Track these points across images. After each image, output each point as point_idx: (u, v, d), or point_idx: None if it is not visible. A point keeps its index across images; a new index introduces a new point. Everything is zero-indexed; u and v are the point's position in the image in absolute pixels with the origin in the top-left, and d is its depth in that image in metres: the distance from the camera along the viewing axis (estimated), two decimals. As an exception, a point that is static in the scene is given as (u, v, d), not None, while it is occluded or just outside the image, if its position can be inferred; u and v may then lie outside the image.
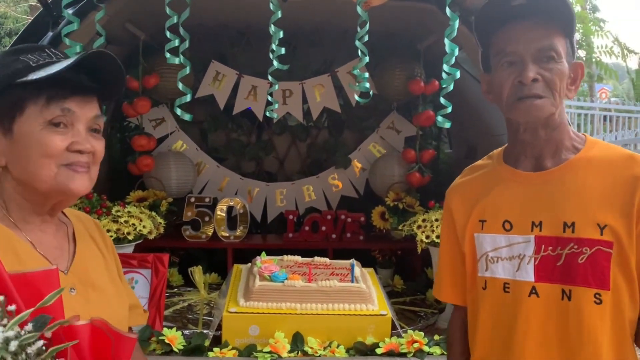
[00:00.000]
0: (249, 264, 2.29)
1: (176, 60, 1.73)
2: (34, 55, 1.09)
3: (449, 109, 1.96)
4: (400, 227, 2.46)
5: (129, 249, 2.27)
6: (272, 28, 1.68)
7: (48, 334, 0.87)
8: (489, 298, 1.33)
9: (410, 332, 1.96)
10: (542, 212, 1.27)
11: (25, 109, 1.04)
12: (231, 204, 2.98)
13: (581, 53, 11.57)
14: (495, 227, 1.32)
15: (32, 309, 0.86)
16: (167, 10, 1.62)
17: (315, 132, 3.54)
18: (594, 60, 11.81)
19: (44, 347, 0.85)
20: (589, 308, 1.21)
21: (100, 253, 1.24)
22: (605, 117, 10.74)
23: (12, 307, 0.85)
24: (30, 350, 0.84)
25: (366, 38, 1.82)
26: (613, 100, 12.56)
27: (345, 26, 2.15)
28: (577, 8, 13.74)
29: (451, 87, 1.82)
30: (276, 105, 1.99)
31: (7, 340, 0.82)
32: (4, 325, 0.83)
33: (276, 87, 1.88)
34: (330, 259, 2.42)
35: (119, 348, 0.93)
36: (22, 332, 0.85)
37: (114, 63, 1.09)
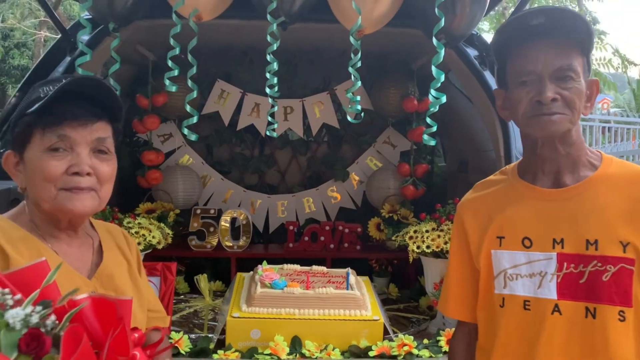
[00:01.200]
0: (251, 272, 2.41)
1: (173, 88, 1.84)
2: (49, 86, 1.15)
3: (434, 128, 2.08)
4: (393, 238, 2.59)
5: None
6: (269, 57, 1.82)
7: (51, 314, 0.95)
8: (507, 316, 1.31)
9: (401, 336, 2.07)
10: (564, 229, 1.26)
11: (32, 137, 1.12)
12: (235, 215, 3.09)
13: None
14: (514, 244, 1.30)
15: (39, 289, 0.94)
16: (172, 41, 1.75)
17: (315, 146, 3.65)
18: (593, 72, 11.93)
19: (57, 321, 0.93)
20: (614, 325, 1.20)
21: (125, 260, 1.32)
22: (605, 128, 10.82)
23: (18, 297, 0.92)
24: (48, 321, 0.92)
25: (359, 64, 1.95)
26: (612, 111, 12.63)
27: (343, 46, 2.27)
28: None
29: (437, 109, 1.95)
30: (276, 125, 2.13)
31: (26, 317, 0.90)
32: (21, 306, 0.91)
33: (275, 108, 2.02)
34: (328, 267, 2.52)
35: (121, 310, 1.00)
36: (35, 310, 0.93)
37: (106, 87, 1.15)
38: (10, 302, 0.91)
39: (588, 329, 1.21)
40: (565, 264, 1.23)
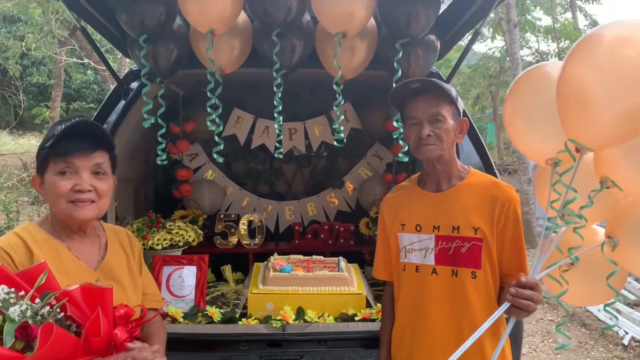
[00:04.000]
0: (265, 262, 2.88)
1: (213, 127, 2.34)
2: (61, 125, 1.41)
3: (406, 148, 2.60)
4: (377, 233, 3.17)
5: (178, 252, 2.95)
6: (275, 102, 2.37)
7: (53, 301, 1.17)
8: (406, 277, 1.76)
9: (379, 305, 2.45)
10: (440, 219, 1.71)
11: (48, 164, 1.40)
12: (251, 218, 3.53)
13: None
14: (410, 229, 1.76)
15: (33, 288, 1.16)
16: (209, 94, 2.32)
17: (316, 160, 4.08)
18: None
19: (50, 309, 1.14)
20: (468, 281, 1.65)
21: (125, 256, 1.56)
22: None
23: (22, 293, 1.15)
24: (42, 311, 1.13)
25: (342, 103, 2.47)
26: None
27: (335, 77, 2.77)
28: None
29: (401, 135, 2.49)
30: (282, 149, 2.73)
31: (23, 312, 1.12)
32: (18, 303, 1.13)
33: (281, 137, 2.66)
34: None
35: (103, 297, 1.23)
36: (34, 304, 1.13)
37: (96, 126, 1.46)
38: (13, 300, 1.13)
39: (453, 284, 1.68)
40: (440, 242, 1.70)
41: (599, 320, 5.51)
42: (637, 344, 4.86)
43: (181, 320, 2.47)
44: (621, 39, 1.33)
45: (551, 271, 1.62)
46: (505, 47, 13.60)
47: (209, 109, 2.37)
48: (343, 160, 4.05)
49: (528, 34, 15.05)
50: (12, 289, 1.15)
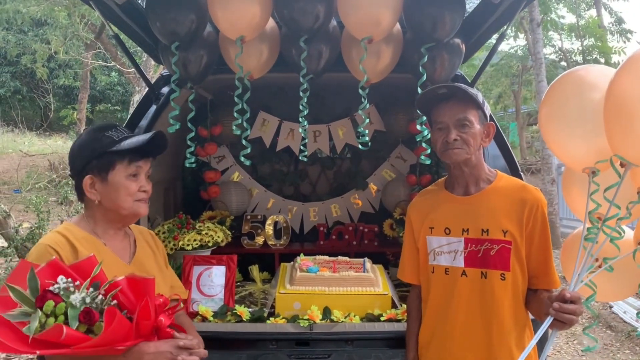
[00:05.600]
0: (292, 262, 2.93)
1: (239, 131, 2.44)
2: (112, 132, 1.55)
3: (428, 151, 2.57)
4: (401, 234, 3.21)
5: (207, 253, 3.01)
6: (301, 107, 2.43)
7: (103, 290, 1.30)
8: (435, 279, 1.78)
9: (404, 305, 2.47)
10: (469, 222, 1.73)
11: (116, 166, 1.53)
12: (277, 219, 3.59)
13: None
14: (439, 232, 1.78)
15: (89, 279, 1.28)
16: (236, 99, 2.38)
17: (340, 162, 4.11)
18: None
19: (102, 297, 1.26)
20: (497, 283, 1.68)
21: (152, 252, 1.72)
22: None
23: (77, 283, 1.27)
24: (97, 299, 1.24)
25: (367, 107, 2.51)
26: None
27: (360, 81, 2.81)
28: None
29: (425, 138, 2.54)
30: (306, 152, 2.77)
31: (83, 299, 1.24)
32: (78, 291, 1.24)
33: (306, 140, 2.71)
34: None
35: (146, 286, 1.32)
36: (88, 293, 1.24)
37: (164, 138, 1.62)
38: (73, 289, 1.26)
39: (482, 285, 1.71)
40: (469, 244, 1.73)
41: (625, 322, 5.45)
42: (664, 346, 4.80)
43: (211, 319, 2.53)
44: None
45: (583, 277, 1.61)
46: (527, 45, 13.44)
47: (235, 114, 2.42)
48: (366, 162, 4.08)
49: (551, 32, 14.83)
50: (69, 279, 1.27)
